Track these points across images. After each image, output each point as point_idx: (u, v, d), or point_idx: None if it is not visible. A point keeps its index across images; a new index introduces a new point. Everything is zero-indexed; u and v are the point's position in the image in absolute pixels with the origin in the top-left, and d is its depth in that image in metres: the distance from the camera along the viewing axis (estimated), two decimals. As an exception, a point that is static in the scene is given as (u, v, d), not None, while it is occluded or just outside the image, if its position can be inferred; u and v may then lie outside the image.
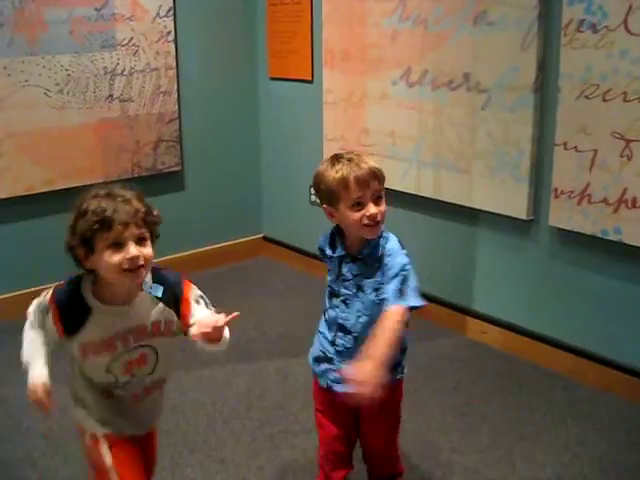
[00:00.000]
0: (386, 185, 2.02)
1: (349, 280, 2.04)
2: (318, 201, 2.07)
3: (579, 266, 3.09)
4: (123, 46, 3.89)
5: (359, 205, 1.96)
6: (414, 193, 3.59)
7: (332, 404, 2.14)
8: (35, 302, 1.87)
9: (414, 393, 2.96)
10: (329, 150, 3.99)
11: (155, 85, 4.05)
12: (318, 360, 2.14)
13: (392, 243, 2.01)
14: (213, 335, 1.73)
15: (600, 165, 2.85)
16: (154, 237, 1.79)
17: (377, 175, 1.99)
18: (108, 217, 1.69)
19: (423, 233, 3.62)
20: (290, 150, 4.44)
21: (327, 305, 2.12)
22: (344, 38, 3.79)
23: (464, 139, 3.33)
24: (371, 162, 2.00)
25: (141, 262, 1.72)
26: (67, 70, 3.72)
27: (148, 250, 1.75)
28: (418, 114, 3.51)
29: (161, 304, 1.83)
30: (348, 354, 2.04)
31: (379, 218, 1.97)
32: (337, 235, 2.07)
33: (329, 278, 2.10)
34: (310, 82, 4.15)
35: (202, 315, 1.82)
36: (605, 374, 3.05)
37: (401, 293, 1.95)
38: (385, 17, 3.55)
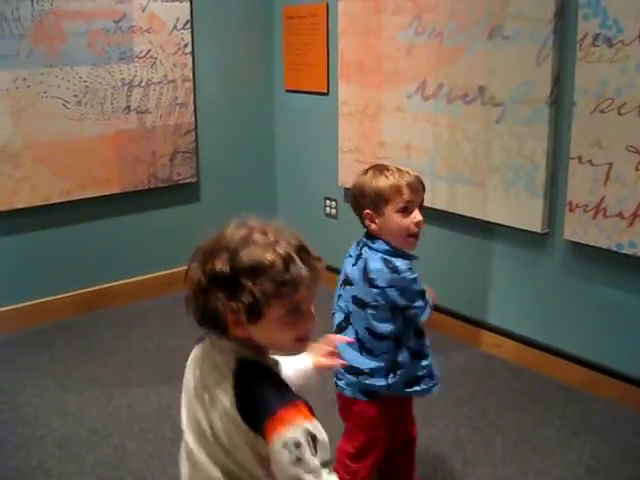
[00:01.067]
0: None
1: None
2: (353, 209, 2.09)
3: (594, 280, 3.09)
4: (141, 58, 3.93)
5: (406, 211, 1.99)
6: (429, 206, 3.55)
7: (403, 414, 2.21)
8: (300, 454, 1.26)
9: (428, 405, 2.95)
10: (344, 162, 4.01)
11: (172, 97, 4.09)
12: (416, 381, 2.10)
13: None
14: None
15: (615, 179, 2.85)
16: None
17: (423, 185, 2.06)
18: (297, 278, 1.29)
19: (438, 246, 3.62)
20: (305, 162, 4.46)
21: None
22: (360, 51, 3.82)
23: (479, 152, 3.34)
24: (415, 173, 2.07)
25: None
26: (85, 82, 3.76)
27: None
28: (433, 127, 3.52)
29: None
30: None
31: (422, 226, 2.02)
32: (397, 251, 2.03)
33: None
34: (326, 94, 4.17)
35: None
36: (619, 388, 3.03)
37: None
38: (401, 30, 3.57)
